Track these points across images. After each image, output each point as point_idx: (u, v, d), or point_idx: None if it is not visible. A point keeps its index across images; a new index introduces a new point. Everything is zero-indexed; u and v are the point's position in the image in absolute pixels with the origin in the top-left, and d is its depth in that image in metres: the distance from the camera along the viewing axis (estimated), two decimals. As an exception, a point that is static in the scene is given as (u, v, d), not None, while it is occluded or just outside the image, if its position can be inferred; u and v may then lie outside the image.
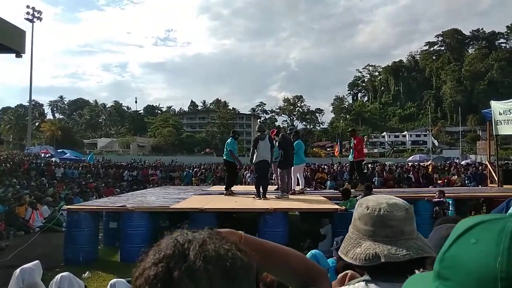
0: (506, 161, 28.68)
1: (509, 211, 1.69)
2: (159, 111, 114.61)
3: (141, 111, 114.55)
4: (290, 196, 9.01)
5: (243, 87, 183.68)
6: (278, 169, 9.24)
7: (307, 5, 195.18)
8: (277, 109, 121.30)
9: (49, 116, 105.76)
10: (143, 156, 62.03)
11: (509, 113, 11.08)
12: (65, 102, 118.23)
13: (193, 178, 20.60)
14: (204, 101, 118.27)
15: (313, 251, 4.16)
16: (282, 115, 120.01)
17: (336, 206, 7.54)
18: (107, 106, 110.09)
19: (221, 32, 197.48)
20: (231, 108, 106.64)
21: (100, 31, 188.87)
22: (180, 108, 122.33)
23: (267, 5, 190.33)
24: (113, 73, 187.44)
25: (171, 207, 7.72)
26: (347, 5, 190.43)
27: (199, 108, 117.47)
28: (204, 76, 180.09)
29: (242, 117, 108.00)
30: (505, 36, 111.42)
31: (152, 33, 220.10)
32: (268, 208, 7.29)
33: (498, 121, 11.58)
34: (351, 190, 9.01)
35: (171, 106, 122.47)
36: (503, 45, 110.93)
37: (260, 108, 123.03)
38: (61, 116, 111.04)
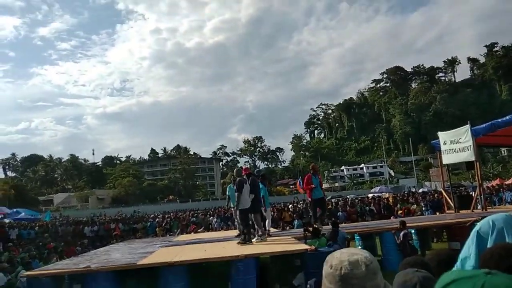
0: (459, 187, 30.13)
1: (466, 247, 1.84)
2: (118, 162, 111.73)
3: (99, 163, 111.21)
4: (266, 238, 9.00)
5: (203, 132, 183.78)
6: (252, 214, 9.13)
7: (259, 51, 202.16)
8: (238, 151, 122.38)
9: (1, 175, 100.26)
10: (103, 209, 59.60)
11: (454, 142, 11.90)
12: (18, 159, 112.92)
13: (157, 229, 19.97)
14: (165, 148, 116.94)
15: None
16: (244, 156, 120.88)
17: (306, 247, 7.60)
18: (62, 161, 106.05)
19: (177, 80, 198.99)
20: (192, 153, 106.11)
21: (53, 85, 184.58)
22: (140, 157, 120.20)
23: (221, 52, 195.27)
24: (67, 126, 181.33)
25: (138, 263, 7.46)
26: (297, 49, 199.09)
27: (160, 155, 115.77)
28: (163, 124, 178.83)
29: (204, 161, 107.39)
30: (443, 70, 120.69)
31: (107, 84, 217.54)
32: (239, 255, 7.24)
33: (444, 151, 12.37)
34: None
35: (130, 156, 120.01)
36: (442, 78, 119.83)
37: (221, 151, 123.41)
38: (13, 174, 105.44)
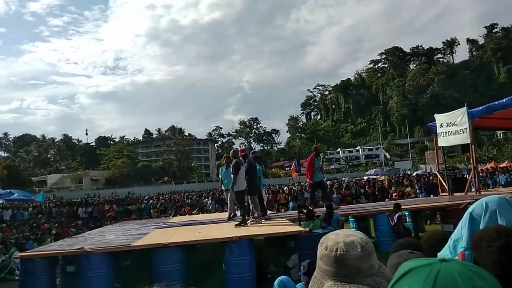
0: (453, 170, 30.31)
1: (458, 229, 1.82)
2: (112, 142, 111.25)
3: (93, 143, 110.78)
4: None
5: (198, 112, 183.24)
6: (249, 196, 9.10)
7: (257, 29, 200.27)
8: (233, 132, 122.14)
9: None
10: (97, 190, 59.75)
11: (450, 125, 11.86)
12: (10, 139, 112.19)
13: (152, 210, 20.01)
14: (159, 129, 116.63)
15: (280, 278, 4.16)
16: (239, 137, 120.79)
17: (300, 228, 7.60)
18: (55, 141, 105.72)
19: (172, 58, 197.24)
20: (187, 134, 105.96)
21: (45, 63, 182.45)
22: (134, 138, 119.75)
23: (218, 29, 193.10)
24: (60, 106, 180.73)
25: (132, 244, 7.44)
26: (295, 28, 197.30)
27: (154, 136, 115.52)
28: (157, 104, 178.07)
29: (199, 142, 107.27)
30: (442, 51, 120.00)
31: (100, 63, 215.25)
32: (233, 237, 7.23)
33: (440, 133, 12.33)
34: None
35: (124, 136, 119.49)
36: (441, 59, 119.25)
37: (216, 132, 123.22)
38: (6, 154, 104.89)
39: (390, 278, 1.25)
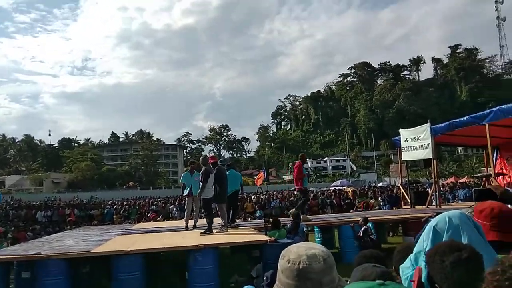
0: (416, 183, 31.24)
1: (421, 241, 1.86)
2: (76, 144, 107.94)
3: (56, 145, 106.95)
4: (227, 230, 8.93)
5: (168, 117, 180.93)
6: (217, 204, 9.00)
7: (229, 37, 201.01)
8: (203, 138, 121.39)
9: None
10: (58, 193, 57.63)
11: (414, 140, 12.24)
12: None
13: (115, 216, 19.42)
14: (126, 133, 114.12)
15: (246, 287, 4.10)
16: (209, 144, 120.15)
17: (266, 238, 7.58)
18: (16, 141, 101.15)
19: (142, 61, 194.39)
20: (155, 139, 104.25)
21: (9, 60, 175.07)
22: (100, 140, 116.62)
23: (190, 35, 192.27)
24: (23, 105, 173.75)
25: (92, 251, 7.18)
26: (267, 38, 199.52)
27: (121, 140, 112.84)
28: (125, 107, 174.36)
29: (167, 148, 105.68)
30: (409, 68, 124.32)
31: (67, 62, 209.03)
32: (197, 245, 7.11)
33: (404, 148, 12.70)
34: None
35: (89, 139, 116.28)
36: (407, 76, 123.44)
37: (186, 138, 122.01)
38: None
39: None
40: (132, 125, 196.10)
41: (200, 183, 8.50)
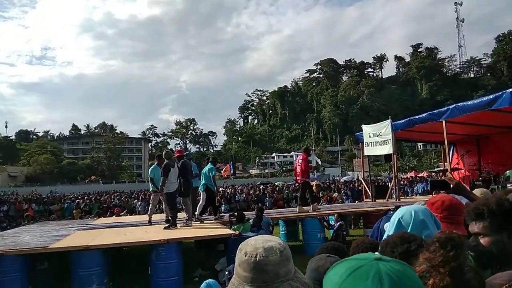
0: (377, 177, 32.21)
1: (386, 232, 1.92)
2: (34, 137, 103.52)
3: (13, 137, 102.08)
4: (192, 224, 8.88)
5: (132, 110, 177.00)
6: (181, 198, 8.94)
7: (197, 30, 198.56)
8: (169, 132, 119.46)
9: None
10: (15, 187, 55.26)
11: (376, 136, 12.59)
12: None
13: (75, 211, 18.79)
14: (88, 125, 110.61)
15: (207, 281, 4.09)
16: (175, 138, 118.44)
17: (230, 232, 7.60)
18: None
19: (106, 52, 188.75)
20: (119, 132, 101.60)
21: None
22: (60, 133, 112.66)
23: (156, 26, 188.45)
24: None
25: (50, 246, 6.94)
26: (235, 32, 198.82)
27: (82, 132, 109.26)
28: (87, 98, 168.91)
29: (132, 141, 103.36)
30: (372, 66, 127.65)
31: (26, 51, 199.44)
32: (160, 240, 7.02)
33: (367, 143, 13.04)
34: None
35: (49, 131, 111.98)
36: (371, 73, 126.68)
37: (151, 132, 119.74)
38: None
39: (305, 283, 1.26)
40: (95, 117, 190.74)
41: (161, 177, 8.44)
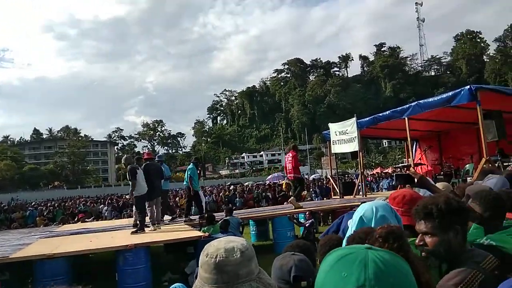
0: (345, 174, 32.85)
1: (349, 229, 1.96)
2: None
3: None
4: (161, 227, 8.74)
5: (97, 113, 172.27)
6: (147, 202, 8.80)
7: (162, 30, 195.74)
8: (136, 134, 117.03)
9: None
10: (-28, 196, 52.46)
11: (342, 133, 12.83)
12: None
13: (38, 218, 18.04)
14: (50, 129, 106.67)
15: (175, 285, 4.03)
16: (142, 140, 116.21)
17: (200, 234, 7.53)
18: None
19: (68, 53, 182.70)
20: (83, 136, 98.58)
21: None
22: (21, 138, 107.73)
23: (120, 27, 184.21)
24: None
25: (11, 256, 6.64)
26: (202, 32, 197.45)
27: (44, 136, 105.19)
28: (49, 101, 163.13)
29: (97, 144, 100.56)
30: (338, 65, 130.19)
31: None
32: (128, 245, 6.87)
33: (334, 141, 13.27)
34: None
35: (8, 136, 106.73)
36: (337, 73, 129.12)
37: (117, 134, 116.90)
38: None
39: (268, 284, 1.26)
40: (57, 121, 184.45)
41: (130, 181, 8.33)
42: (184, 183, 10.12)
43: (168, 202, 10.46)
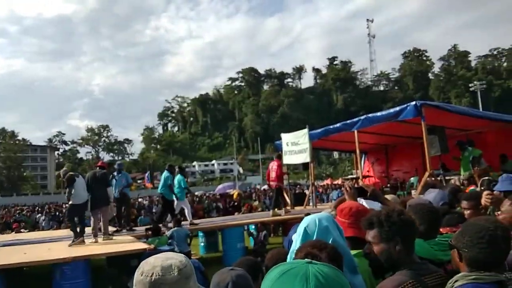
0: (296, 185, 33.31)
1: (294, 242, 1.93)
2: None
3: None
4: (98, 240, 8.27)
5: (36, 115, 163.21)
6: (90, 211, 8.39)
7: (111, 31, 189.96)
8: (79, 139, 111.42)
9: None
10: None
11: (294, 144, 12.93)
12: None
13: (-32, 228, 16.58)
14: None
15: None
16: (86, 146, 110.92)
17: (145, 246, 7.21)
18: None
19: (7, 51, 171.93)
20: (21, 139, 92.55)
21: None
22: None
23: (65, 25, 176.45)
24: None
25: None
26: (154, 35, 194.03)
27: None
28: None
29: (36, 149, 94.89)
30: (292, 76, 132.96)
31: None
32: (66, 258, 6.41)
33: (285, 152, 13.36)
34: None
35: None
36: (290, 83, 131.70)
37: (58, 139, 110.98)
38: None
39: None
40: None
41: (67, 189, 8.07)
42: (159, 190, 10.24)
43: (122, 210, 10.03)
